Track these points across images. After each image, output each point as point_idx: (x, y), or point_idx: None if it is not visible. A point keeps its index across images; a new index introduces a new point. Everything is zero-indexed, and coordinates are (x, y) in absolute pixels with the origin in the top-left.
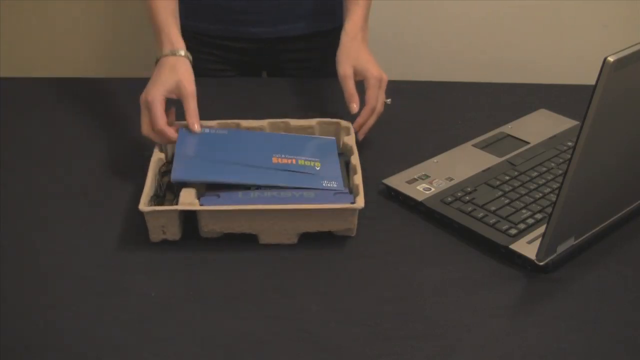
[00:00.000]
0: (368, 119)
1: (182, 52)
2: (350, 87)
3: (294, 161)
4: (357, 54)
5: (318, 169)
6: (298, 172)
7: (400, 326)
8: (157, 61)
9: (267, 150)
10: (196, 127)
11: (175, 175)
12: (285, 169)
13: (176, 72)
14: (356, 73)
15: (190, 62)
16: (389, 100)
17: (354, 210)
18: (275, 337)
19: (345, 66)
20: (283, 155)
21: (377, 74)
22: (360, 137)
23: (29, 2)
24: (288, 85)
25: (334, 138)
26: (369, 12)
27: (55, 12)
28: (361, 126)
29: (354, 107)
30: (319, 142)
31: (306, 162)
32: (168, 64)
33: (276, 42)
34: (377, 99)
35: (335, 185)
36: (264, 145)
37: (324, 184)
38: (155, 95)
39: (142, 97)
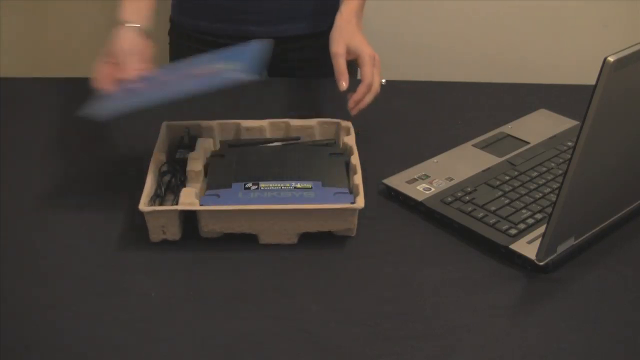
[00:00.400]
0: (364, 96)
1: (128, 25)
2: (341, 65)
3: (212, 70)
4: (350, 35)
5: (233, 67)
6: (211, 75)
7: (400, 326)
8: None
9: (186, 69)
10: (128, 75)
11: (93, 111)
12: (201, 76)
13: (113, 39)
14: (349, 52)
15: (140, 30)
16: (384, 81)
17: (354, 210)
18: (275, 337)
19: (338, 45)
20: (201, 67)
21: (370, 52)
22: (354, 113)
23: (29, 2)
24: (288, 85)
25: (261, 44)
26: (364, 4)
27: (55, 12)
28: (357, 103)
29: (343, 84)
30: (243, 49)
31: (223, 66)
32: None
33: (277, 41)
34: (373, 75)
35: (237, 69)
36: (184, 67)
37: (228, 73)
38: (97, 65)
39: None
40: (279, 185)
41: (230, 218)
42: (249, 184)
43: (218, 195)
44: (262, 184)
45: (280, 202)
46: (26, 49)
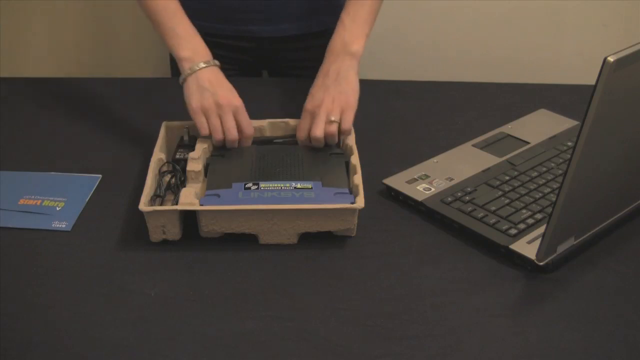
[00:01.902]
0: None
1: (208, 64)
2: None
3: (38, 202)
4: (315, 83)
5: (59, 209)
6: (36, 213)
7: (400, 326)
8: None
9: (17, 192)
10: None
11: None
12: (27, 210)
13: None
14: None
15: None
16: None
17: (354, 210)
18: (275, 337)
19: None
20: (30, 197)
21: (310, 106)
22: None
23: (29, 2)
24: (288, 85)
25: (99, 176)
26: (372, 9)
27: (55, 12)
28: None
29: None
30: (76, 181)
31: (50, 203)
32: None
33: (277, 40)
34: (302, 130)
35: (64, 226)
36: (18, 185)
37: (53, 225)
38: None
39: (225, 101)
40: (279, 185)
41: (230, 218)
42: (249, 184)
43: (218, 195)
44: (262, 184)
45: (280, 202)
46: (26, 49)
